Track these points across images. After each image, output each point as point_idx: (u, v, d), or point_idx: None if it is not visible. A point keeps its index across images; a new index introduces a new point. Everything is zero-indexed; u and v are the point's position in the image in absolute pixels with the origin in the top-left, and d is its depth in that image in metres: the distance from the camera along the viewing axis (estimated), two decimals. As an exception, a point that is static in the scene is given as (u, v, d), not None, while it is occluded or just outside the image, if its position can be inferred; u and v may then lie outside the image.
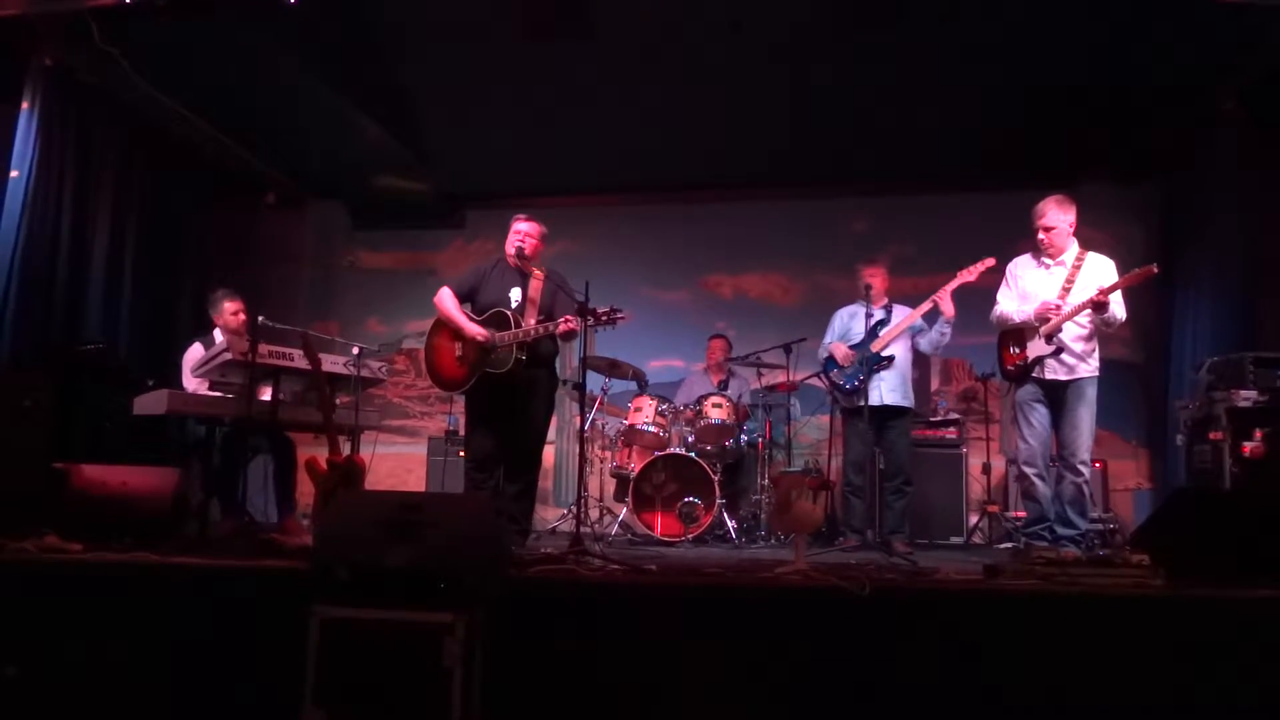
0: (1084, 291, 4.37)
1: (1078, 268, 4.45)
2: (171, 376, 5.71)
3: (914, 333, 5.26)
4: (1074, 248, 4.53)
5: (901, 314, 5.26)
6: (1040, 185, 7.04)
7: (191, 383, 5.12)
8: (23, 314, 5.14)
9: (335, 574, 2.64)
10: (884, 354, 5.12)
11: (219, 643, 2.90)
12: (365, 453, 4.76)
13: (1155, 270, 4.33)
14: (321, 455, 4.36)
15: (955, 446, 6.24)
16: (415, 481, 7.46)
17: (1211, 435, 4.89)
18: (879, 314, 5.24)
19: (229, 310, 5.36)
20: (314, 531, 3.92)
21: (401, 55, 6.05)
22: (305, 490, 4.79)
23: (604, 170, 7.53)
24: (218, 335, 5.30)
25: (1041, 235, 4.52)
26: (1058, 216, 4.48)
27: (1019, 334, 4.54)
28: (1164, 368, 6.66)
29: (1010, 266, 4.74)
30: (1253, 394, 4.76)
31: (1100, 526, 5.88)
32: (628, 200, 7.99)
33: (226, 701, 2.84)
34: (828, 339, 5.49)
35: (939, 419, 6.41)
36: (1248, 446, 4.64)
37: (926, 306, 5.09)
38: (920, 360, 6.11)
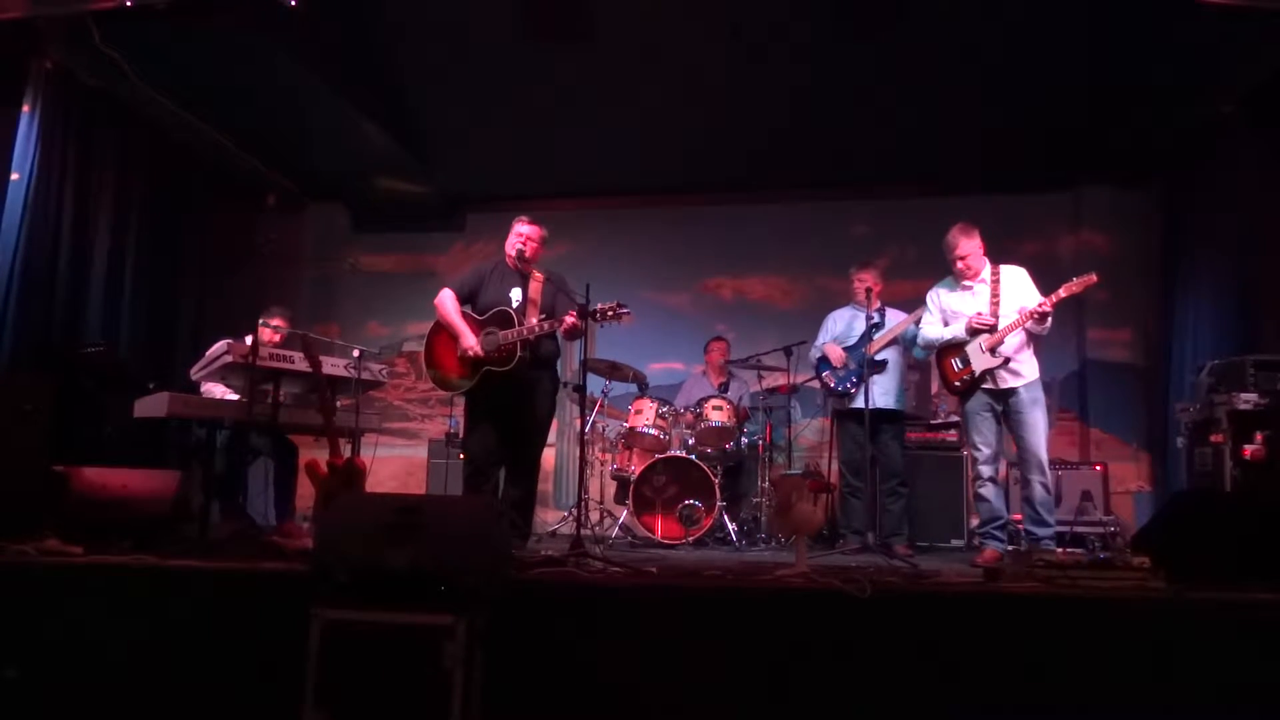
0: (1010, 300, 4.56)
1: (997, 281, 4.65)
2: (172, 378, 5.72)
3: (906, 341, 5.27)
4: (987, 265, 4.73)
5: (894, 318, 5.29)
6: (1040, 188, 7.13)
7: (209, 384, 5.13)
8: (23, 316, 5.13)
9: (335, 576, 2.63)
10: (877, 358, 5.14)
11: (219, 645, 2.90)
12: (365, 455, 4.77)
13: (1095, 279, 4.42)
14: (322, 458, 4.36)
15: (955, 449, 6.22)
16: (416, 484, 7.45)
17: (1212, 438, 4.89)
18: (873, 318, 5.24)
19: (272, 325, 5.42)
20: (314, 534, 3.92)
21: (402, 57, 6.06)
22: (306, 492, 4.80)
23: (605, 172, 7.53)
24: (248, 340, 5.32)
25: (960, 265, 4.70)
26: (968, 245, 4.69)
27: (958, 350, 4.65)
28: (1164, 370, 6.65)
29: (930, 295, 4.91)
30: (1253, 396, 4.75)
31: (1102, 529, 5.88)
32: (628, 203, 8.00)
33: (227, 703, 2.84)
34: (820, 340, 5.52)
35: (939, 422, 6.39)
36: (1248, 449, 4.63)
37: (920, 312, 5.10)
38: (920, 363, 6.12)
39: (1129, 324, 7.09)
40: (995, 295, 4.60)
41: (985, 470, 4.61)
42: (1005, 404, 4.57)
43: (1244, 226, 5.70)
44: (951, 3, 5.13)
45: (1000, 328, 4.50)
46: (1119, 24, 5.11)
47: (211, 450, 5.00)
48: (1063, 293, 4.40)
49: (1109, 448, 6.98)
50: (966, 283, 4.73)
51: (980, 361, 4.55)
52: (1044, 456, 4.47)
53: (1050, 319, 4.45)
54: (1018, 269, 4.70)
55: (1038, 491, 4.47)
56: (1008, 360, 4.50)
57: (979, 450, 4.64)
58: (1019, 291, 4.59)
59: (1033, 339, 4.57)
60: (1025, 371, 4.53)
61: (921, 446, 6.15)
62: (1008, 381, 4.53)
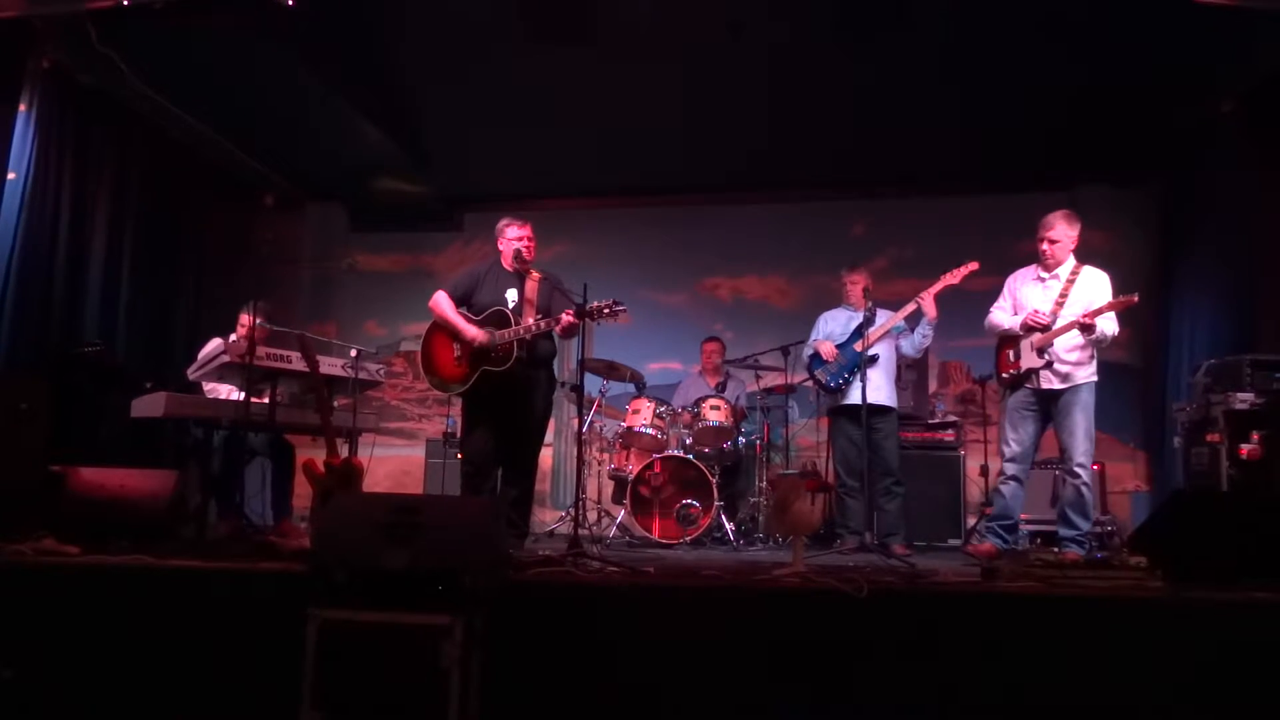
0: (1077, 304, 4.48)
1: (1072, 281, 4.56)
2: (169, 378, 5.71)
3: (897, 334, 5.30)
4: (1070, 261, 4.63)
5: (885, 317, 5.30)
6: (1040, 187, 7.13)
7: (213, 384, 5.12)
8: (20, 316, 5.13)
9: (332, 576, 2.63)
10: (869, 353, 5.15)
11: (216, 645, 2.90)
12: (363, 455, 4.76)
13: (1135, 300, 4.39)
14: (319, 457, 4.35)
15: (953, 449, 6.23)
16: (413, 484, 7.45)
17: (1209, 437, 4.89)
18: (863, 316, 5.25)
19: (243, 321, 5.38)
20: (311, 534, 3.92)
21: (402, 57, 6.05)
22: (303, 492, 4.79)
23: (603, 172, 7.53)
24: (233, 337, 5.31)
25: (1045, 246, 4.62)
26: (1064, 231, 4.59)
27: (1015, 342, 4.62)
28: (1162, 370, 6.66)
29: (1010, 279, 4.85)
30: (1250, 396, 4.76)
31: (1099, 529, 5.88)
32: (626, 202, 8.00)
33: (224, 704, 2.84)
34: (812, 338, 5.53)
35: (937, 421, 6.40)
36: (1245, 448, 4.64)
37: (910, 308, 5.14)
38: (918, 363, 6.12)
39: (1126, 324, 7.02)
40: (1064, 295, 4.52)
41: (1009, 468, 4.59)
42: (1051, 404, 4.54)
43: (1241, 226, 5.71)
44: (951, 3, 5.13)
45: (1053, 328, 4.46)
46: (1118, 24, 5.11)
47: (209, 450, 5.00)
48: (1105, 308, 4.39)
49: (1106, 447, 6.97)
50: (1043, 274, 4.66)
51: (1027, 359, 4.52)
52: (1079, 458, 4.41)
53: (1099, 333, 4.36)
54: (1100, 273, 4.59)
55: (1067, 493, 4.45)
56: (1050, 364, 4.46)
57: (1007, 445, 4.62)
58: (1092, 295, 4.48)
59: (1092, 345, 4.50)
60: (1075, 375, 4.47)
61: (919, 446, 6.15)
62: (1052, 383, 4.49)
